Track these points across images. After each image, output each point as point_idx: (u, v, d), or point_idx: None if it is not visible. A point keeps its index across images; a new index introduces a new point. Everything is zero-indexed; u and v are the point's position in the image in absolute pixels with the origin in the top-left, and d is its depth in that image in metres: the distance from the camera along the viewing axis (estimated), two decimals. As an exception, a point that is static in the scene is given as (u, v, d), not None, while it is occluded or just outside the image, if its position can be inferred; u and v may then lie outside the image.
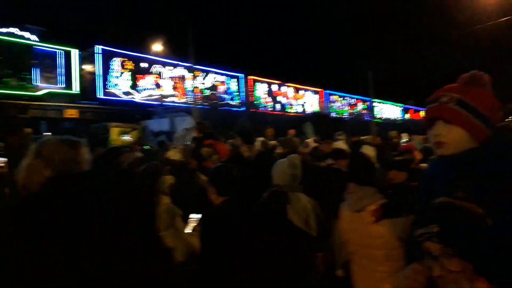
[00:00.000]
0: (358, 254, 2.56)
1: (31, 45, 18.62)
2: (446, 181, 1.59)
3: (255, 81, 30.50)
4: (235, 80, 29.46)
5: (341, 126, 19.92)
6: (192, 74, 18.52)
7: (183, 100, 24.83)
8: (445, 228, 1.34)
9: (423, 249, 1.35)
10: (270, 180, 4.39)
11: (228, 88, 28.89)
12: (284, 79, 33.14)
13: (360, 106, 43.32)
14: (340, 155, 4.43)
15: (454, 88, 1.69)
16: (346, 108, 41.23)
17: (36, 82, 18.72)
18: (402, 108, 50.88)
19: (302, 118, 23.48)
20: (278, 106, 32.19)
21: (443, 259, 1.29)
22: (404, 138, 11.53)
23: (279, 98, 32.64)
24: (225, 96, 28.46)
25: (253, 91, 30.25)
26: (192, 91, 22.62)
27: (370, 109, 40.11)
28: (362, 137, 10.87)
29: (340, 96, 40.48)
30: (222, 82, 28.42)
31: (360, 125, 30.15)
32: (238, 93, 29.55)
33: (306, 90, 35.79)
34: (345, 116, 39.31)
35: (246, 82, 29.95)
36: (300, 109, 34.55)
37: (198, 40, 18.14)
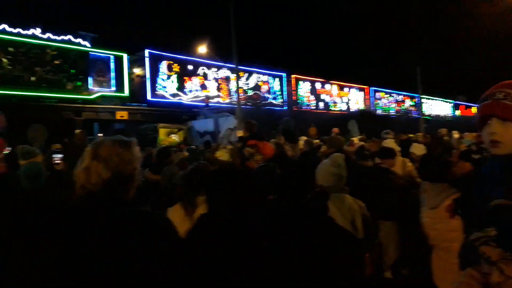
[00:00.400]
0: (437, 247, 2.80)
1: (86, 51, 19.68)
2: (501, 182, 1.51)
3: (298, 79, 30.35)
4: (278, 79, 29.47)
5: (387, 124, 19.31)
6: (236, 74, 18.77)
7: (227, 101, 25.21)
8: (504, 231, 1.27)
9: (479, 253, 1.29)
10: (313, 180, 4.36)
11: (271, 88, 28.95)
12: (328, 77, 32.69)
13: (408, 103, 41.78)
14: (388, 154, 4.31)
15: (510, 85, 1.61)
16: (393, 105, 39.94)
17: (90, 86, 19.78)
18: (452, 104, 48.49)
19: (347, 116, 23.04)
20: (321, 104, 31.82)
21: (502, 265, 1.22)
22: (455, 136, 10.99)
23: (322, 96, 32.25)
24: (268, 95, 28.54)
25: (296, 89, 30.11)
26: (236, 91, 22.92)
27: (419, 106, 38.57)
28: (410, 135, 10.49)
29: (386, 93, 39.30)
30: (265, 82, 28.53)
31: (408, 122, 29.08)
32: (281, 92, 29.54)
33: (350, 87, 35.09)
34: (392, 114, 38.09)
35: (289, 81, 29.86)
36: (344, 107, 33.93)
37: (242, 40, 18.34)
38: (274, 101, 28.55)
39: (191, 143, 18.36)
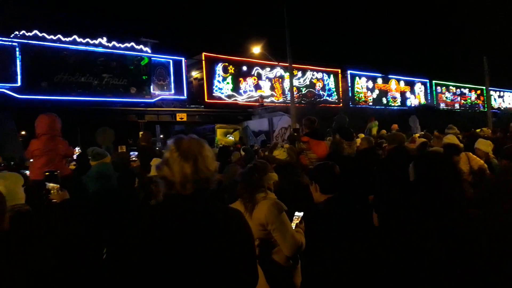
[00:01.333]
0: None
1: (149, 57, 20.73)
2: None
3: (353, 75, 29.62)
4: (333, 75, 28.98)
5: (451, 118, 18.25)
6: (289, 73, 18.75)
7: (281, 100, 25.26)
8: None
9: None
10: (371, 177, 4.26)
11: (326, 85, 28.54)
12: (386, 71, 31.55)
13: (473, 96, 39.14)
14: (452, 151, 4.12)
15: None
16: (457, 98, 37.63)
17: (151, 90, 20.82)
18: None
19: (407, 112, 22.11)
20: (380, 100, 30.79)
21: None
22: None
23: (380, 92, 31.20)
24: (323, 93, 28.18)
25: (352, 86, 29.42)
26: (290, 90, 22.88)
27: (486, 98, 35.98)
28: (477, 130, 9.88)
29: (449, 87, 37.11)
30: (320, 79, 28.19)
31: (474, 117, 27.23)
32: (336, 89, 29.02)
33: (410, 81, 33.59)
34: (456, 108, 35.89)
35: (344, 77, 29.26)
36: (404, 102, 32.57)
37: (295, 39, 18.25)
38: (329, 99, 28.12)
39: (247, 143, 18.67)
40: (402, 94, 32.89)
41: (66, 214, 2.44)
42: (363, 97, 29.93)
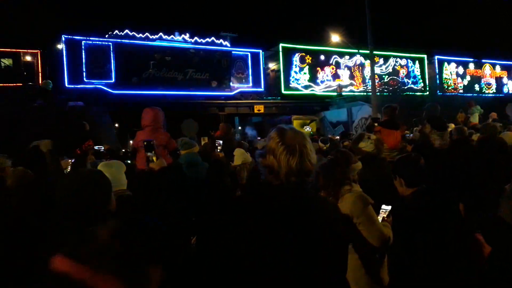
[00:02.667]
0: None
1: (229, 51, 21.35)
2: None
3: (442, 60, 27.46)
4: (418, 61, 27.16)
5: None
6: (370, 60, 17.97)
7: (361, 89, 24.37)
8: None
9: None
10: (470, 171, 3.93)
11: (411, 72, 26.86)
12: (480, 55, 28.73)
13: None
14: None
15: None
16: None
17: (231, 83, 21.42)
18: None
19: (504, 100, 19.98)
20: (471, 87, 28.19)
21: None
22: None
23: (472, 78, 28.56)
24: (407, 80, 26.59)
25: (440, 72, 27.32)
26: (371, 78, 21.98)
27: None
28: None
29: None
30: (404, 66, 26.61)
31: None
32: (421, 76, 27.19)
33: (508, 65, 30.22)
34: None
35: (431, 62, 27.27)
36: (500, 89, 29.46)
37: (376, 23, 17.40)
38: (414, 86, 26.46)
39: (324, 134, 18.37)
40: (498, 79, 29.74)
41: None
42: (452, 84, 27.65)
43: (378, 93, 18.49)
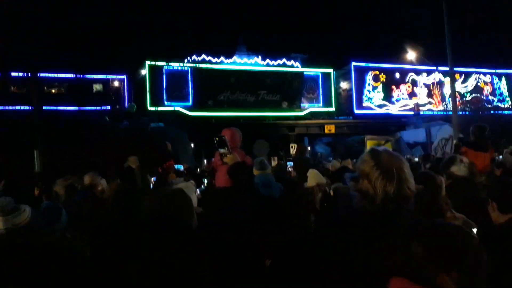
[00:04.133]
0: None
1: (302, 72, 21.58)
2: None
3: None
4: (505, 78, 25.02)
5: None
6: (450, 78, 16.96)
7: (440, 108, 23.04)
8: None
9: None
10: None
11: (496, 89, 24.82)
12: None
13: None
14: None
15: None
16: None
17: (301, 103, 21.53)
18: None
19: None
20: None
21: None
22: None
23: None
24: (492, 98, 24.58)
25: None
26: (451, 96, 20.70)
27: None
28: None
29: None
30: (488, 83, 24.70)
31: None
32: (509, 94, 24.96)
33: None
34: None
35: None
36: None
37: (456, 38, 16.46)
38: (501, 105, 24.37)
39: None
40: None
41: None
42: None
43: (460, 112, 17.33)
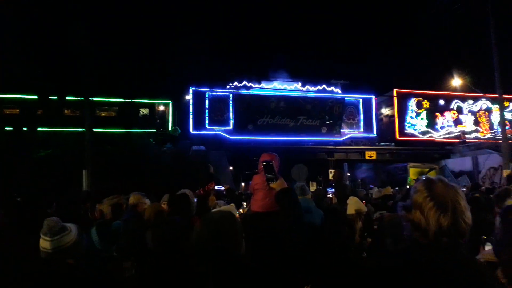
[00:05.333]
0: None
1: (343, 98, 21.60)
2: None
3: None
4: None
5: None
6: (499, 105, 16.27)
7: (488, 135, 22.04)
8: None
9: None
10: None
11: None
12: None
13: None
14: None
15: None
16: None
17: (341, 129, 21.40)
18: None
19: None
20: None
21: None
22: None
23: None
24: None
25: None
26: (500, 124, 19.78)
27: None
28: None
29: None
30: (542, 110, 23.42)
31: None
32: None
33: None
34: None
35: None
36: None
37: (504, 63, 15.88)
38: (556, 133, 22.94)
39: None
40: None
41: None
42: None
43: (510, 141, 16.50)
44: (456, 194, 1.35)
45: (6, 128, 18.30)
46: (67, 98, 20.01)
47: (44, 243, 2.09)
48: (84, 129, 13.10)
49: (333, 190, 6.13)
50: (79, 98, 14.09)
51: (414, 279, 1.29)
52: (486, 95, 21.76)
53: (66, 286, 1.96)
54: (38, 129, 19.05)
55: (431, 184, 1.38)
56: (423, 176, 1.52)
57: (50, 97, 19.91)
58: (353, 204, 4.61)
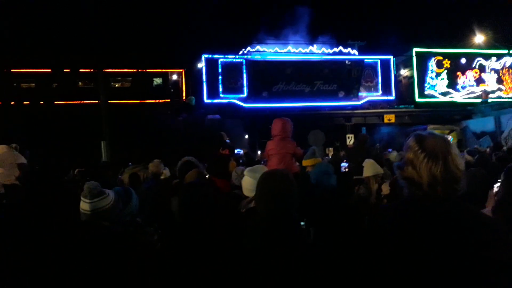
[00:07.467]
0: None
1: (360, 60, 20.75)
2: None
3: None
4: None
5: None
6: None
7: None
8: None
9: None
10: None
11: None
12: None
13: None
14: None
15: None
16: None
17: (359, 92, 20.85)
18: None
19: None
20: None
21: None
22: None
23: None
24: None
25: None
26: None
27: None
28: None
29: None
30: None
31: None
32: None
33: None
34: None
35: None
36: None
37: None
38: None
39: (467, 146, 16.51)
40: None
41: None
42: None
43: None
44: (446, 144, 1.39)
45: (24, 103, 18.60)
46: (80, 70, 20.08)
47: (84, 205, 2.24)
48: (99, 101, 13.17)
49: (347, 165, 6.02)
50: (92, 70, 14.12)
51: (410, 229, 1.32)
52: (511, 51, 20.86)
53: (104, 246, 2.08)
54: (55, 102, 19.27)
55: (421, 139, 1.41)
56: (415, 132, 1.48)
57: (64, 70, 20.01)
58: (369, 167, 4.51)
